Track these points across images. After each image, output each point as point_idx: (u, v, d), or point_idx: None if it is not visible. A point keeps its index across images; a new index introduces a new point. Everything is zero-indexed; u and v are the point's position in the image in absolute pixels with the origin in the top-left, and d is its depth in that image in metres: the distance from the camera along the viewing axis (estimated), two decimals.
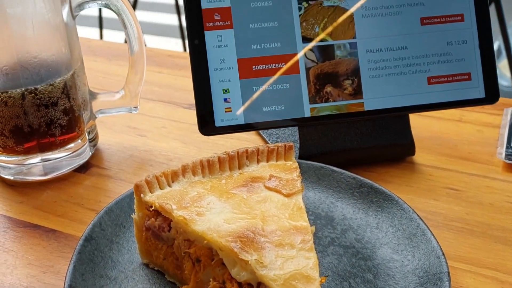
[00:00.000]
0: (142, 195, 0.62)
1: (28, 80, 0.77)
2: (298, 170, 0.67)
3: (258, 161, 0.68)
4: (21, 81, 0.77)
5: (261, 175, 0.65)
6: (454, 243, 0.71)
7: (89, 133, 0.87)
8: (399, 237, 0.67)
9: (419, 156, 0.87)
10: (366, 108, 0.82)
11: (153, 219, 0.62)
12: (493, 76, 0.84)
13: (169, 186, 0.64)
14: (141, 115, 1.01)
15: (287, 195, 0.62)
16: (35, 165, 0.82)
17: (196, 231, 0.57)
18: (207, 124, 0.78)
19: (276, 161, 0.68)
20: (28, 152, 0.81)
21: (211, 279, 0.57)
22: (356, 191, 0.74)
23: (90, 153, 0.88)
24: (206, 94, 0.78)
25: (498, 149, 0.87)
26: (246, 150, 0.68)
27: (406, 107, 0.83)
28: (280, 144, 0.69)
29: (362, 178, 0.75)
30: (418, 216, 0.68)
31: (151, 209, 0.61)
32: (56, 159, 0.83)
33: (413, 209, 0.69)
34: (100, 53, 1.28)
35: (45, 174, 0.83)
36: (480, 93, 0.84)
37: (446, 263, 0.61)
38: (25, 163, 0.82)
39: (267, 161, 0.68)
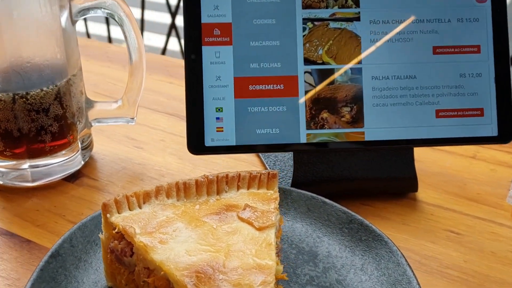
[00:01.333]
0: (108, 215, 0.59)
1: (19, 85, 0.76)
2: (277, 201, 0.63)
3: (238, 188, 0.64)
4: (13, 85, 0.75)
5: (238, 203, 0.62)
6: None
7: (82, 141, 0.86)
8: (383, 283, 0.62)
9: (423, 193, 0.82)
10: (366, 138, 0.77)
11: (116, 241, 0.59)
12: (508, 113, 0.78)
13: (139, 207, 0.61)
14: (142, 126, 0.98)
15: (259, 229, 0.58)
16: (23, 171, 0.81)
17: (154, 261, 0.53)
18: (196, 142, 0.75)
19: (258, 189, 0.65)
20: (17, 157, 0.80)
21: None
22: (346, 227, 0.69)
23: (82, 162, 0.86)
24: (198, 111, 0.75)
25: (510, 192, 0.80)
26: (227, 175, 0.64)
27: (410, 140, 0.78)
28: (263, 172, 0.65)
29: (353, 213, 0.70)
30: (406, 261, 0.63)
31: (115, 231, 0.58)
32: (45, 166, 0.81)
33: (401, 253, 0.64)
34: (116, 59, 1.27)
35: (33, 181, 0.82)
36: (492, 131, 0.78)
37: None
38: (14, 168, 0.80)
39: (248, 188, 0.65)
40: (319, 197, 0.73)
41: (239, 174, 0.65)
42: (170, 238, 0.56)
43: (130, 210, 0.60)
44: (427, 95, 0.78)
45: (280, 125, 0.76)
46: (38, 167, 0.81)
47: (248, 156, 0.90)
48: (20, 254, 0.70)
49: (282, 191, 0.74)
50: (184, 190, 0.63)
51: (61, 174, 0.83)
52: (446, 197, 0.82)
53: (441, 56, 0.79)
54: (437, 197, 0.81)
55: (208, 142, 0.75)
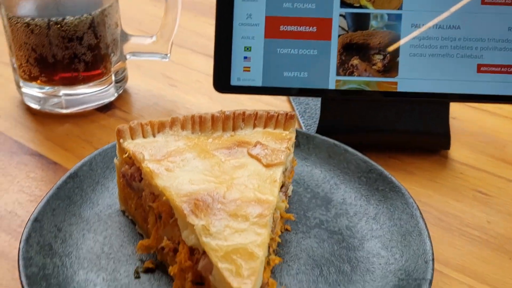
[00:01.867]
0: (121, 140, 0.60)
1: (54, 11, 0.77)
2: (291, 142, 0.62)
3: (255, 126, 0.64)
4: (48, 11, 0.77)
5: (250, 140, 0.61)
6: (462, 252, 0.63)
7: (117, 74, 0.87)
8: (393, 233, 0.60)
9: (455, 151, 0.78)
10: (399, 89, 0.74)
11: (127, 166, 0.60)
12: None
13: (153, 136, 0.61)
14: (178, 65, 0.99)
15: (266, 165, 0.57)
16: (59, 98, 0.83)
17: (158, 186, 0.54)
18: (222, 80, 0.75)
19: (274, 128, 0.63)
20: (52, 84, 0.82)
21: (165, 238, 0.54)
22: (364, 176, 0.68)
23: (116, 95, 0.88)
24: (226, 50, 0.74)
25: None
26: (243, 113, 0.63)
27: (447, 94, 0.74)
28: (281, 112, 0.64)
29: (373, 163, 0.68)
30: (421, 214, 0.61)
31: (125, 155, 0.59)
32: (78, 94, 0.83)
33: (417, 206, 0.62)
34: None
35: (66, 108, 0.84)
36: None
37: (432, 270, 0.54)
38: (50, 94, 0.83)
39: (264, 127, 0.63)
40: (342, 144, 0.71)
41: (256, 113, 0.64)
42: (176, 166, 0.56)
43: (143, 137, 0.61)
44: (470, 47, 0.74)
45: (309, 69, 0.74)
46: (72, 95, 0.83)
47: (280, 102, 0.89)
48: (45, 174, 0.72)
49: (305, 136, 0.73)
50: (199, 123, 0.62)
51: (94, 104, 0.85)
52: (480, 157, 0.78)
53: (490, 7, 0.73)
54: (470, 157, 0.77)
55: (234, 81, 0.75)
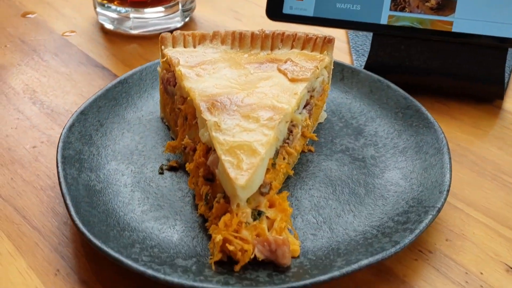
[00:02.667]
0: (163, 47, 0.64)
1: None
2: (323, 63, 0.62)
3: (292, 47, 0.65)
4: None
5: (284, 58, 0.62)
6: (490, 195, 0.61)
7: (185, 4, 0.91)
8: (416, 165, 0.60)
9: (510, 103, 0.75)
10: (454, 29, 0.71)
11: (165, 71, 0.63)
12: None
13: (193, 46, 0.65)
14: (249, 2, 1.01)
15: (291, 80, 0.58)
16: (128, 20, 0.89)
17: (185, 87, 0.57)
18: (275, 7, 0.76)
19: (311, 51, 0.64)
20: (125, 5, 0.87)
21: (186, 137, 0.57)
22: (401, 112, 0.67)
23: (182, 22, 0.92)
24: None
25: None
26: (283, 33, 0.65)
27: (506, 39, 0.71)
28: (320, 35, 0.65)
29: (413, 99, 0.67)
30: (448, 150, 0.60)
31: (163, 59, 0.63)
32: (146, 18, 0.88)
33: (447, 143, 0.60)
34: None
35: (134, 29, 0.89)
36: None
37: (444, 200, 0.54)
38: (121, 15, 0.88)
39: (302, 48, 0.65)
40: (385, 80, 0.70)
41: (296, 34, 0.65)
42: (207, 73, 0.59)
43: (184, 47, 0.64)
44: None
45: (362, 2, 0.74)
46: (140, 18, 0.88)
47: (337, 35, 0.88)
48: (104, 84, 0.78)
49: (350, 70, 0.73)
50: (239, 39, 0.65)
51: (160, 28, 0.90)
52: None
53: None
54: None
55: (286, 9, 0.76)
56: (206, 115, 0.52)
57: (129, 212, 0.54)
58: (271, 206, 0.52)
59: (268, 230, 0.51)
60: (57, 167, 0.56)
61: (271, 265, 0.50)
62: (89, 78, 0.80)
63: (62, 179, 0.55)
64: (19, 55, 0.85)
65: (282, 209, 0.51)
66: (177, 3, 0.89)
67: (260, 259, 0.49)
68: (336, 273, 0.47)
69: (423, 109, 0.65)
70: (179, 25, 0.91)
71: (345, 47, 0.88)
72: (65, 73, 0.81)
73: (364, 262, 0.48)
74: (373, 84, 0.71)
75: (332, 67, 0.67)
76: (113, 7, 0.88)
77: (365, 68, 0.76)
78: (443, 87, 0.75)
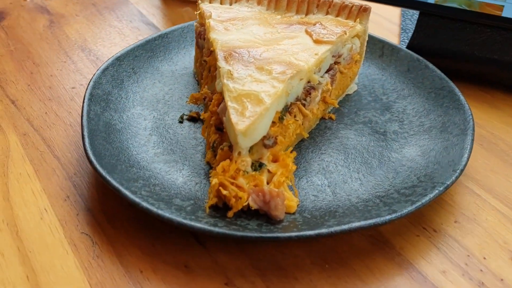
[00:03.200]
0: (200, 1, 0.65)
1: None
2: (353, 30, 0.61)
3: (327, 13, 0.64)
4: None
5: (314, 22, 0.62)
6: (509, 183, 0.58)
7: None
8: (437, 144, 0.58)
9: None
10: (504, 14, 0.68)
11: (198, 25, 0.65)
12: None
13: (230, 4, 0.65)
14: None
15: (315, 41, 0.58)
16: None
17: (210, 38, 0.58)
18: None
19: (345, 18, 0.63)
20: None
21: (206, 87, 0.58)
22: (434, 92, 0.65)
23: None
24: None
25: None
26: None
27: None
28: (356, 3, 0.64)
29: (449, 81, 0.65)
30: (472, 132, 0.57)
31: (197, 12, 0.64)
32: None
33: (473, 124, 0.58)
34: None
35: None
36: None
37: (456, 178, 0.51)
38: None
39: (336, 15, 0.64)
40: (425, 60, 0.68)
41: (332, 0, 0.64)
42: (235, 28, 0.60)
43: (220, 4, 0.65)
44: None
45: None
46: None
47: (390, 17, 0.86)
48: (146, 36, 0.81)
49: (391, 48, 0.72)
50: (275, 1, 0.65)
51: None
52: None
53: None
54: None
55: None
56: (221, 63, 0.53)
57: (142, 152, 0.56)
58: (274, 160, 0.52)
59: (268, 183, 0.51)
60: (83, 102, 0.59)
61: (264, 217, 0.50)
62: (138, 33, 0.83)
63: (84, 113, 0.57)
64: (79, 7, 0.90)
65: (285, 165, 0.52)
66: None
67: (253, 208, 0.49)
68: (323, 230, 0.46)
69: (457, 90, 0.63)
70: None
71: (395, 29, 0.86)
72: (117, 27, 0.85)
73: (355, 224, 0.47)
74: (411, 63, 0.69)
75: (367, 38, 0.66)
76: None
77: (407, 47, 0.74)
78: (488, 75, 0.72)
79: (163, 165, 0.55)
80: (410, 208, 0.48)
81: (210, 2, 0.65)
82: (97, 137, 0.55)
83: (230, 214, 0.49)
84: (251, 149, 0.51)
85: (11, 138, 0.61)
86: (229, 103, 0.49)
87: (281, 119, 0.52)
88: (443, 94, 0.64)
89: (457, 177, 0.52)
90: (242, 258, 0.49)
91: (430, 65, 0.67)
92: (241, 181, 0.49)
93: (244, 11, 0.64)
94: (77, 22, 0.86)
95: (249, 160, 0.50)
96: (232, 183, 0.49)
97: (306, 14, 0.64)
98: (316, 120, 0.61)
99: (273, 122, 0.51)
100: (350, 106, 0.65)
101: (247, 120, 0.48)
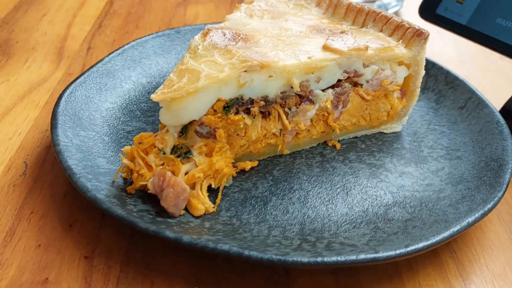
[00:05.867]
0: None
1: None
2: (392, 53, 0.50)
3: (381, 30, 0.53)
4: None
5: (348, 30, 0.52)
6: None
7: None
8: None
9: None
10: None
11: None
12: None
13: None
14: None
15: (324, 47, 0.48)
16: None
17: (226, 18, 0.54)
18: (430, 4, 0.63)
19: (398, 40, 0.52)
20: None
21: None
22: (490, 172, 0.49)
23: None
24: None
25: None
26: (378, 13, 0.54)
27: None
28: (415, 26, 0.51)
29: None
30: None
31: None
32: None
33: None
34: None
35: None
36: None
37: None
38: None
39: (390, 35, 0.53)
40: (505, 127, 0.52)
41: (390, 18, 0.53)
42: (257, 17, 0.54)
43: None
44: None
45: None
46: None
47: (486, 60, 0.68)
48: None
49: (477, 101, 0.57)
50: (334, 7, 0.57)
51: None
52: None
53: None
54: None
55: (440, 10, 0.62)
56: (196, 37, 0.48)
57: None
58: (208, 155, 0.45)
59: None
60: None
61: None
62: None
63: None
64: None
65: (211, 163, 0.44)
66: None
67: (149, 191, 0.43)
68: (185, 237, 0.38)
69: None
70: None
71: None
72: None
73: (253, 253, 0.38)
74: (488, 125, 0.54)
75: (423, 73, 0.53)
76: None
77: (501, 111, 0.57)
78: None
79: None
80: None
81: None
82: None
83: (129, 188, 0.44)
84: (184, 132, 0.45)
85: None
86: (171, 74, 0.45)
87: (226, 109, 0.45)
88: (497, 180, 0.47)
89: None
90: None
91: (510, 139, 0.51)
92: (151, 158, 0.44)
93: (291, 9, 0.57)
94: None
95: (170, 140, 0.44)
96: (143, 158, 0.44)
97: (362, 26, 0.55)
98: (310, 140, 0.52)
99: (214, 111, 0.45)
100: (372, 143, 0.53)
101: (168, 92, 0.42)
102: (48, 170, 0.51)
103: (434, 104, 0.59)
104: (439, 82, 0.60)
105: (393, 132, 0.55)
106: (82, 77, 0.56)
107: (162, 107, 0.43)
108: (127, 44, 0.63)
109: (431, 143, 0.54)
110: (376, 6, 0.83)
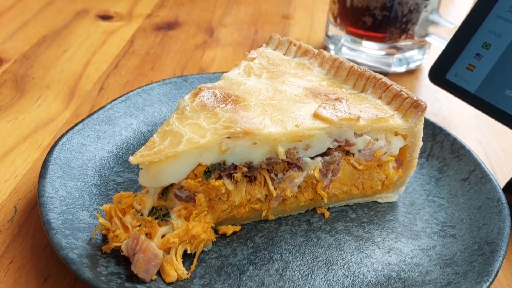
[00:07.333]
0: (265, 45, 0.60)
1: None
2: (386, 124, 0.49)
3: (380, 97, 0.52)
4: None
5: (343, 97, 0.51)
6: None
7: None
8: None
9: None
10: None
11: None
12: None
13: (293, 56, 0.58)
14: None
15: (314, 115, 0.47)
16: None
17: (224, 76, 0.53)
18: (439, 70, 0.62)
19: (395, 110, 0.50)
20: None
21: None
22: (483, 253, 0.46)
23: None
24: (464, 38, 0.60)
25: None
26: (379, 79, 0.53)
27: None
28: (413, 96, 0.50)
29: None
30: None
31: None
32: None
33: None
34: None
35: None
36: None
37: None
38: None
39: (387, 103, 0.51)
40: (506, 208, 0.50)
41: (389, 87, 0.52)
42: (254, 75, 0.53)
43: (284, 54, 0.59)
44: None
45: None
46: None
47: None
48: None
49: (480, 175, 0.54)
50: (336, 69, 0.56)
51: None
52: None
53: None
54: None
55: (450, 75, 0.60)
56: (185, 97, 0.48)
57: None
58: (187, 219, 0.45)
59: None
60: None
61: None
62: None
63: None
64: None
65: (187, 229, 0.44)
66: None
67: (122, 253, 0.43)
68: None
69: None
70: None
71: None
72: None
73: None
74: (488, 202, 0.51)
75: (420, 144, 0.51)
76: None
77: (506, 186, 0.55)
78: None
79: None
80: None
81: (273, 49, 0.60)
82: None
83: (104, 248, 0.44)
84: (164, 194, 0.44)
85: None
86: (154, 135, 0.44)
87: (207, 174, 0.44)
88: (486, 269, 0.45)
89: None
90: None
91: (508, 222, 0.48)
92: (128, 219, 0.44)
93: (292, 68, 0.56)
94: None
95: (148, 201, 0.44)
96: (119, 218, 0.44)
97: (362, 91, 0.53)
98: (297, 207, 0.50)
99: (195, 175, 0.44)
100: (363, 213, 0.52)
101: (147, 155, 0.42)
102: (35, 218, 0.51)
103: (436, 173, 0.57)
104: (445, 149, 0.58)
105: (388, 202, 0.53)
106: (81, 124, 0.56)
107: (141, 168, 0.43)
108: (132, 91, 0.63)
109: (427, 216, 0.52)
110: (396, 59, 0.82)
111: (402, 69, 0.83)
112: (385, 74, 0.82)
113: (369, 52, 0.82)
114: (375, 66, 0.82)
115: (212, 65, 0.83)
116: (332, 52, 0.86)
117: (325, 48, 0.87)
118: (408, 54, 0.82)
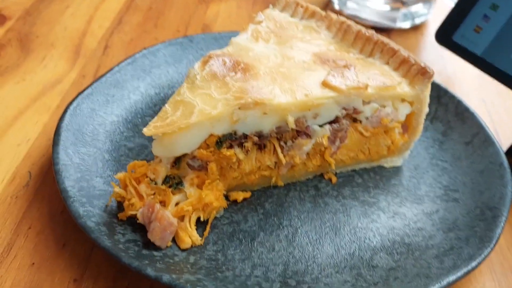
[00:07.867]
0: (271, 5, 0.60)
1: None
2: (393, 91, 0.49)
3: (387, 63, 0.52)
4: None
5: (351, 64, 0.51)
6: None
7: None
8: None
9: None
10: None
11: None
12: None
13: (300, 19, 0.58)
14: None
15: (323, 83, 0.48)
16: None
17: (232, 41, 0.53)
18: (446, 31, 0.62)
19: (402, 77, 0.51)
20: None
21: None
22: (485, 216, 0.48)
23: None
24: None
25: None
26: (386, 44, 0.53)
27: None
28: (421, 63, 0.50)
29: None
30: None
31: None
32: None
33: None
34: None
35: None
36: None
37: None
38: None
39: (395, 69, 0.52)
40: (508, 171, 0.51)
41: (397, 52, 0.52)
42: (262, 40, 0.53)
43: (291, 16, 0.58)
44: None
45: None
46: None
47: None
48: None
49: (484, 138, 0.55)
50: (344, 32, 0.55)
51: None
52: None
53: None
54: None
55: (457, 37, 0.60)
56: (195, 65, 0.48)
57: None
58: (200, 187, 0.46)
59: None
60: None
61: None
62: None
63: None
64: None
65: (200, 198, 0.45)
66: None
67: (138, 221, 0.44)
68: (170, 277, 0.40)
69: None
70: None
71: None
72: None
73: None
74: (491, 165, 0.52)
75: (426, 110, 0.52)
76: None
77: (507, 152, 0.56)
78: None
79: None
80: None
81: (281, 11, 0.59)
82: None
83: (120, 215, 0.45)
84: (177, 163, 0.46)
85: None
86: (166, 105, 0.45)
87: (218, 144, 0.45)
88: (487, 234, 0.46)
89: None
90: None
91: (510, 186, 0.50)
92: (142, 188, 0.45)
93: (299, 32, 0.56)
94: None
95: (162, 170, 0.45)
96: (135, 188, 0.45)
97: (369, 56, 0.54)
98: (305, 173, 0.52)
99: (207, 145, 0.45)
100: (369, 178, 0.53)
101: (161, 127, 0.43)
102: (50, 182, 0.53)
103: (440, 136, 0.58)
104: (449, 112, 0.59)
105: (393, 166, 0.55)
106: (90, 89, 0.57)
107: (154, 139, 0.44)
108: (138, 52, 0.63)
109: (430, 180, 0.53)
110: (402, 14, 0.81)
111: (407, 24, 0.83)
112: (390, 30, 0.82)
113: (373, 7, 0.82)
114: (380, 22, 0.82)
115: (215, 21, 0.82)
116: (337, 7, 0.85)
117: (330, 2, 0.86)
118: (413, 8, 0.82)
